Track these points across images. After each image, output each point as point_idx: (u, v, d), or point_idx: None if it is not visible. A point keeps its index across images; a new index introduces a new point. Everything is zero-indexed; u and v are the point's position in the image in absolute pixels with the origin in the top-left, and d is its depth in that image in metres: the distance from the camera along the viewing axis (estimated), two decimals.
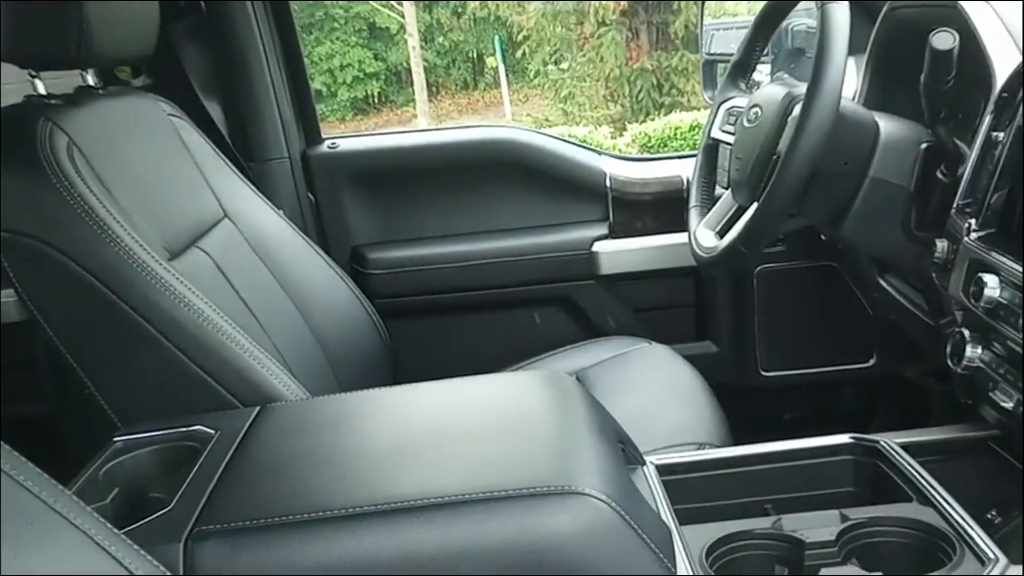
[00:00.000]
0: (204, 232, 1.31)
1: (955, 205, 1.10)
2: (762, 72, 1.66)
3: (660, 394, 1.46)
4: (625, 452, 0.94)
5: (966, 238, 1.05)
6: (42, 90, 1.19)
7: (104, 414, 1.10)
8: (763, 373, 1.81)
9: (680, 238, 1.69)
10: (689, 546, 0.87)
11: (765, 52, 1.53)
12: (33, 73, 1.18)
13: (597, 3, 9.46)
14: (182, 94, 1.62)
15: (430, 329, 1.83)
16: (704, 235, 1.42)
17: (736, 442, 1.27)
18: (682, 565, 0.83)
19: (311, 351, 1.40)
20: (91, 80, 1.27)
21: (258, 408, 0.99)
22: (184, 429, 0.95)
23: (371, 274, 1.80)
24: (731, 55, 1.54)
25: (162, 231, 1.19)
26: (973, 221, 1.05)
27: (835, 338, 1.78)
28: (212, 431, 0.93)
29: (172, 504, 0.80)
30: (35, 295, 1.09)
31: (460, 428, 0.90)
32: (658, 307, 1.83)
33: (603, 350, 1.61)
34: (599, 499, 0.74)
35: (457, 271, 1.80)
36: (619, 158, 1.89)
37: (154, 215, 1.19)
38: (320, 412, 1.00)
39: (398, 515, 0.74)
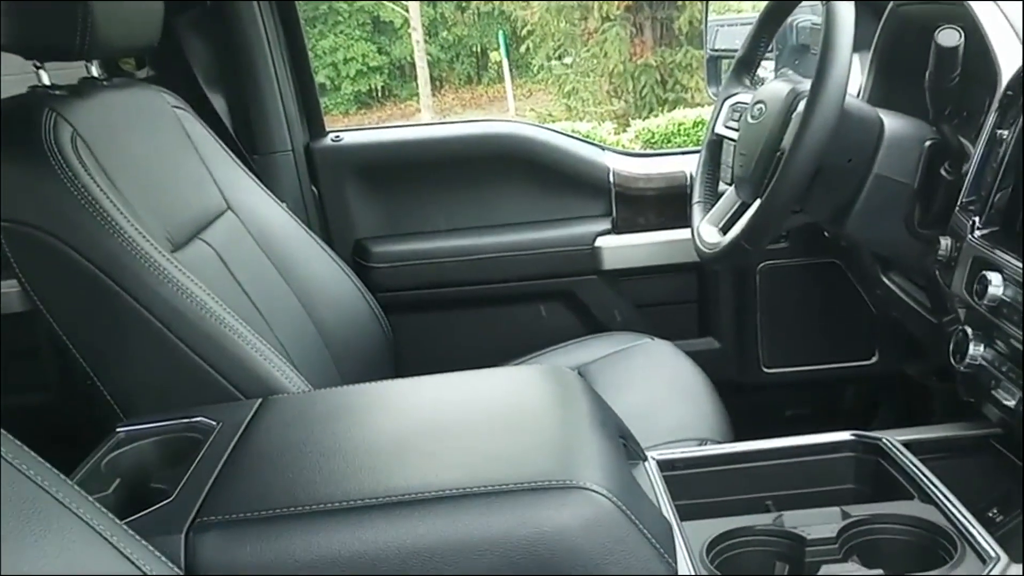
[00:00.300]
0: (207, 224, 1.31)
1: (959, 203, 1.10)
2: (766, 68, 1.65)
3: (662, 390, 1.46)
4: (626, 447, 0.94)
5: (970, 236, 1.05)
6: (47, 81, 1.19)
7: (107, 404, 1.10)
8: (765, 370, 1.81)
9: (683, 234, 1.69)
10: (690, 542, 0.87)
11: (769, 48, 1.52)
12: (38, 64, 1.18)
13: None
14: (186, 86, 1.62)
15: (432, 323, 1.83)
16: (707, 231, 1.42)
17: (737, 438, 1.27)
18: (683, 561, 0.83)
19: (313, 344, 1.40)
20: (95, 71, 1.27)
21: (260, 400, 0.99)
22: (186, 420, 0.95)
23: (374, 267, 1.80)
24: (735, 51, 1.53)
25: (165, 223, 1.19)
26: (977, 219, 1.05)
27: (837, 335, 1.78)
28: (214, 423, 0.93)
29: (174, 495, 0.80)
30: (38, 285, 1.09)
31: (462, 422, 0.90)
32: (660, 303, 1.83)
33: (605, 345, 1.61)
34: (600, 494, 0.74)
35: (460, 265, 1.80)
36: (623, 154, 1.88)
37: (157, 207, 1.19)
38: (322, 405, 1.00)
39: (399, 508, 0.74)
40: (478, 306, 1.83)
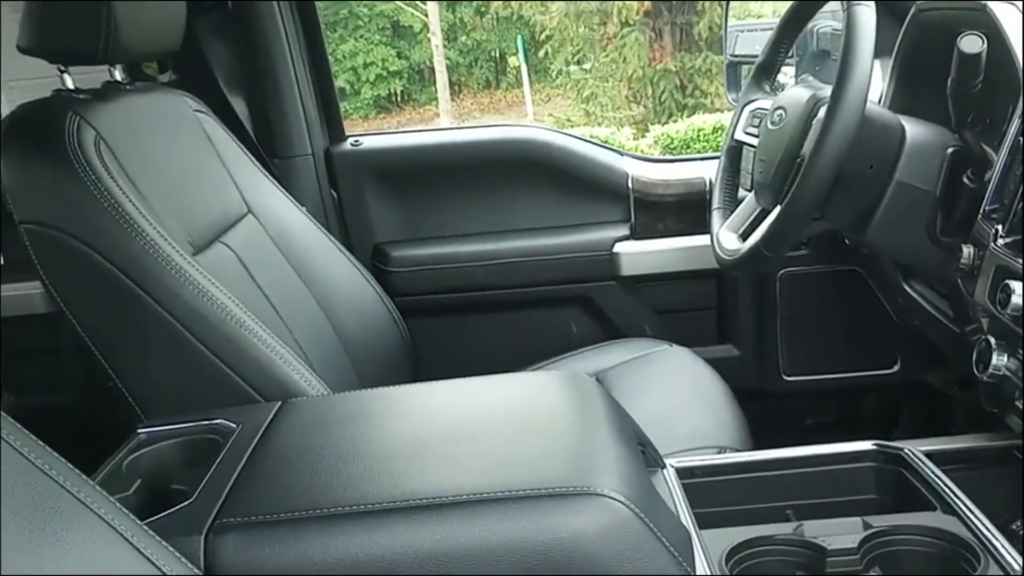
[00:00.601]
0: (228, 227, 1.32)
1: (982, 211, 1.09)
2: (787, 74, 1.65)
3: (680, 397, 1.45)
4: (645, 454, 0.93)
5: (993, 244, 1.04)
6: (71, 85, 1.20)
7: (128, 406, 1.11)
8: (785, 377, 1.80)
9: (702, 240, 1.68)
10: (709, 550, 0.86)
11: (790, 54, 1.52)
12: (62, 68, 1.20)
13: (620, 3, 9.43)
14: (208, 90, 1.63)
15: (451, 327, 1.84)
16: (727, 237, 1.41)
17: (757, 447, 1.26)
18: (701, 569, 0.82)
19: (332, 347, 1.41)
20: (118, 75, 1.29)
21: (280, 403, 0.99)
22: (206, 422, 0.96)
23: (393, 272, 1.81)
24: (756, 57, 1.53)
25: (186, 226, 1.20)
26: (1000, 227, 1.04)
27: (858, 343, 1.77)
28: (234, 425, 0.94)
29: (194, 497, 0.80)
30: (61, 287, 1.10)
31: (479, 427, 0.90)
32: (679, 309, 1.82)
33: (624, 352, 1.60)
34: (617, 500, 0.74)
35: (478, 270, 1.80)
36: (641, 159, 1.88)
37: (179, 210, 1.20)
38: (341, 408, 1.01)
39: (417, 512, 0.74)
40: (496, 311, 1.83)
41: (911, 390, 1.74)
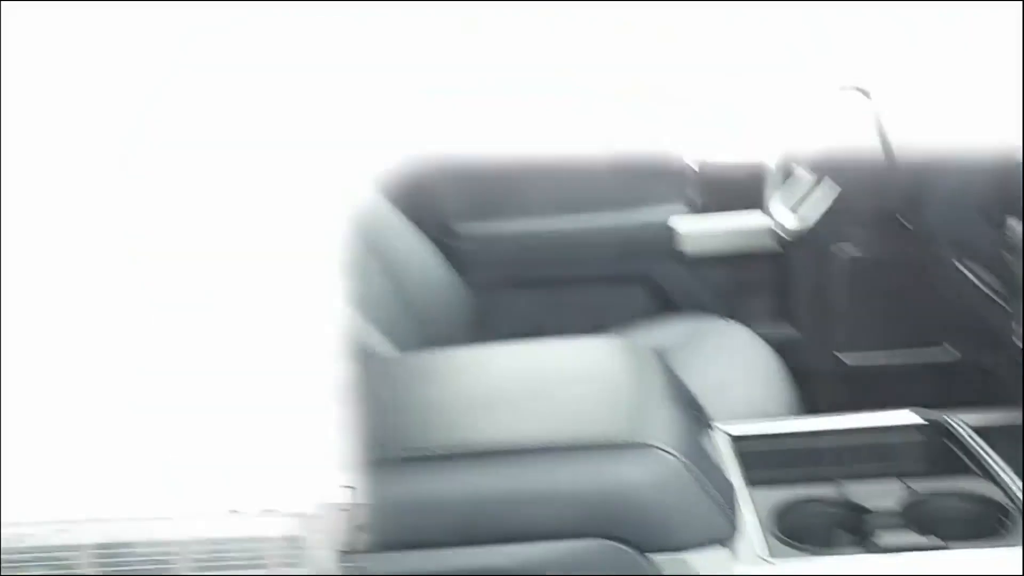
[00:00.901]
0: None
1: None
2: None
3: (735, 373, 1.47)
4: (697, 417, 0.99)
5: None
6: None
7: None
8: (840, 358, 1.80)
9: (762, 219, 1.70)
10: (754, 507, 0.91)
11: None
12: None
13: None
14: None
15: (511, 302, 1.85)
16: (786, 216, 1.42)
17: None
18: (747, 523, 0.88)
19: (399, 315, 1.47)
20: None
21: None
22: None
23: (456, 245, 1.85)
24: None
25: None
26: None
27: (912, 325, 1.76)
28: None
29: None
30: None
31: (543, 384, 0.97)
32: (738, 287, 1.82)
33: (681, 328, 1.62)
34: (668, 452, 0.81)
35: (539, 245, 1.84)
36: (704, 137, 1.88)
37: None
38: (411, 366, 1.08)
39: (485, 458, 0.83)
40: (555, 286, 1.85)
41: (964, 370, 1.73)
